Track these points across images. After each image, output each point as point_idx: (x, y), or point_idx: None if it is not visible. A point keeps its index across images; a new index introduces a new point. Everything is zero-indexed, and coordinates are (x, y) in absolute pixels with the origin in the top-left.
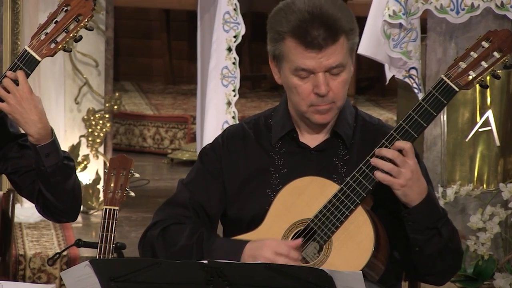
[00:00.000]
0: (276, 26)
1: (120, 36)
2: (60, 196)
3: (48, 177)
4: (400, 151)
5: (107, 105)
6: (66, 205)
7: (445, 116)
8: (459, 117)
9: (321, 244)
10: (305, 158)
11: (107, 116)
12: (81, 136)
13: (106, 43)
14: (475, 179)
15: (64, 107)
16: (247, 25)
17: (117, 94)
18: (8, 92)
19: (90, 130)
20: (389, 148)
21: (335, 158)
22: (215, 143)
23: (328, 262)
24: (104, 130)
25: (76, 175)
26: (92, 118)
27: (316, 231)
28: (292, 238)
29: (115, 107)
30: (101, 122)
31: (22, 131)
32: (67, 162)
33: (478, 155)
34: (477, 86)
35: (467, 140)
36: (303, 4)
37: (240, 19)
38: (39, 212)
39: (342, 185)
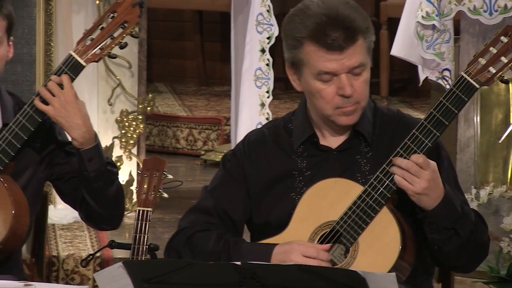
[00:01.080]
0: (292, 32)
1: (153, 38)
2: (102, 202)
3: (91, 182)
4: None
5: (140, 106)
6: (108, 211)
7: (478, 118)
8: (492, 118)
9: (348, 246)
10: (328, 159)
11: (140, 117)
12: (114, 138)
13: (139, 45)
14: (509, 180)
15: (97, 108)
16: (280, 26)
17: (150, 95)
18: (53, 95)
19: (123, 131)
20: (412, 147)
21: (357, 156)
22: (237, 150)
23: (355, 264)
24: (137, 131)
25: (119, 181)
26: (125, 119)
27: (342, 233)
28: (318, 241)
29: (148, 108)
30: (134, 123)
31: (70, 139)
32: (110, 168)
33: (511, 156)
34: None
35: (500, 141)
36: (318, 7)
37: (273, 20)
38: (82, 219)
39: (366, 186)
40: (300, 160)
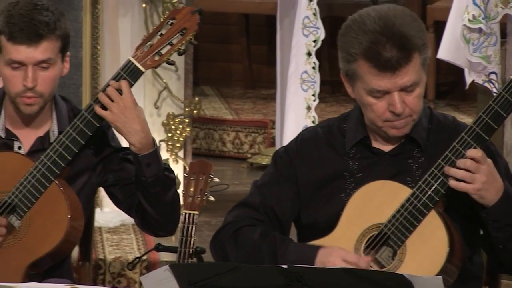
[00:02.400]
0: (347, 47)
1: (199, 41)
2: (159, 208)
3: (148, 187)
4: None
5: (186, 109)
6: (165, 217)
7: None
8: None
9: (395, 249)
10: (379, 162)
11: (186, 120)
12: (160, 141)
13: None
14: None
15: (143, 111)
16: (326, 29)
17: (196, 98)
18: (112, 100)
19: (169, 134)
20: (461, 150)
21: (410, 160)
22: (289, 147)
23: (402, 267)
24: (183, 134)
25: (175, 187)
26: (171, 122)
27: (389, 236)
28: (365, 243)
29: (195, 111)
30: (180, 126)
31: (124, 145)
32: (168, 174)
33: None
34: None
35: None
36: (374, 23)
37: (319, 23)
38: (138, 226)
39: (414, 189)
40: (352, 162)
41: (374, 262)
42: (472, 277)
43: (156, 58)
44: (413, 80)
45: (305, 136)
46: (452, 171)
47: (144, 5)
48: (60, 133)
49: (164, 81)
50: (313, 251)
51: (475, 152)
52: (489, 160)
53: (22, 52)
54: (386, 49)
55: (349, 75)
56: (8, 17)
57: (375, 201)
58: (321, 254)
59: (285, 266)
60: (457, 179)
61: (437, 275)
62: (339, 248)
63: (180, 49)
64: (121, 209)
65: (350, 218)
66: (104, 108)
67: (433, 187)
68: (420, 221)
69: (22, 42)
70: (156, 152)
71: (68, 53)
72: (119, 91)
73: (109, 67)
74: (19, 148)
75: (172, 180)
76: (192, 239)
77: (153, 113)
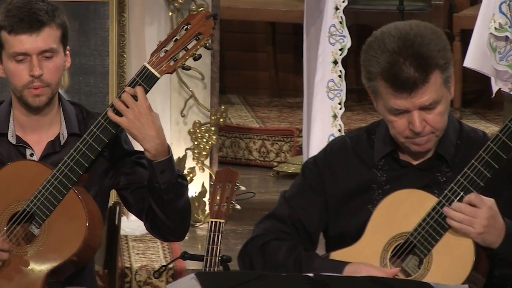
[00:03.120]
0: (367, 65)
1: (226, 49)
2: (170, 214)
3: (161, 194)
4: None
5: (213, 118)
6: (175, 223)
7: None
8: None
9: (421, 258)
10: (407, 175)
11: (213, 129)
12: (187, 149)
13: (212, 56)
14: None
15: (170, 120)
16: (352, 38)
17: (223, 107)
18: (127, 106)
19: (196, 143)
20: (486, 158)
21: (438, 173)
22: (318, 158)
23: (428, 275)
24: (210, 143)
25: (188, 194)
26: (198, 131)
27: (416, 245)
28: (392, 252)
29: (221, 120)
30: (207, 135)
31: (137, 149)
32: (181, 181)
33: None
34: None
35: None
36: (393, 42)
37: (346, 32)
38: (147, 229)
39: (440, 198)
40: (380, 174)
41: (400, 270)
42: (498, 286)
43: (171, 63)
44: (433, 99)
45: (333, 147)
46: (452, 213)
47: (170, 14)
48: (69, 135)
49: (191, 89)
50: (339, 267)
51: (471, 197)
52: (490, 202)
53: (25, 41)
54: (402, 70)
55: (371, 92)
56: (6, 11)
57: (401, 210)
58: (347, 271)
59: (311, 275)
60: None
61: (463, 283)
62: (365, 265)
63: (195, 54)
64: (132, 213)
65: (376, 227)
66: (120, 114)
67: (459, 196)
68: (446, 230)
69: (24, 31)
70: (170, 159)
71: (68, 47)
72: (135, 97)
73: (135, 73)
74: (31, 155)
75: (185, 187)
76: (218, 248)
77: (179, 121)
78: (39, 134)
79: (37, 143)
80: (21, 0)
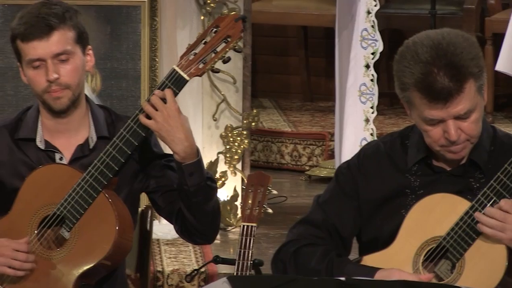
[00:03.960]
0: (400, 76)
1: (258, 53)
2: (200, 217)
3: (190, 196)
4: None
5: (245, 121)
6: (205, 226)
7: None
8: None
9: (454, 262)
10: (441, 180)
11: (244, 132)
12: (219, 153)
13: (244, 60)
14: None
15: (202, 124)
16: (384, 42)
17: (255, 110)
18: (156, 109)
19: (228, 146)
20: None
21: (471, 179)
22: (352, 163)
23: (461, 280)
24: (242, 146)
25: (217, 197)
26: (230, 135)
27: (448, 249)
28: (424, 257)
29: (253, 123)
30: (239, 138)
31: (166, 152)
32: (210, 183)
33: None
34: None
35: None
36: (426, 53)
37: (378, 36)
38: (177, 232)
39: (473, 202)
40: (414, 179)
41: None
42: None
43: (200, 66)
44: (467, 108)
45: (367, 152)
46: (484, 218)
47: (202, 17)
48: (98, 138)
49: (223, 93)
50: (371, 273)
51: (501, 203)
52: None
53: (37, 47)
54: (436, 81)
55: (405, 101)
56: (19, 19)
57: (434, 214)
58: (379, 277)
59: (343, 278)
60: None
61: (496, 287)
62: (398, 270)
63: (224, 56)
64: (162, 216)
65: (409, 231)
66: (149, 117)
67: (492, 201)
68: (479, 234)
69: (35, 37)
70: (200, 161)
71: (89, 46)
72: (164, 100)
73: (164, 76)
74: (61, 159)
75: (214, 189)
76: (250, 252)
77: (211, 125)
78: (68, 138)
79: (66, 147)
80: (34, 6)
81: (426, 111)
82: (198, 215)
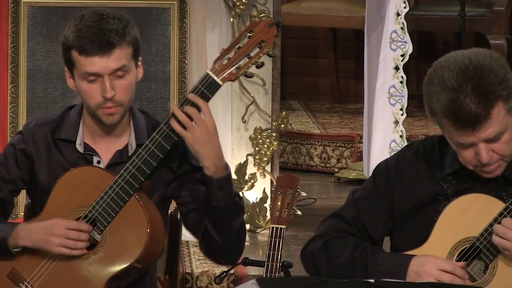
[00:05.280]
0: (428, 100)
1: (287, 55)
2: (225, 234)
3: (218, 212)
4: None
5: (274, 123)
6: (230, 245)
7: None
8: None
9: (487, 263)
10: (474, 189)
11: (274, 134)
12: (248, 155)
13: (273, 62)
14: None
15: (231, 126)
16: (414, 44)
17: (284, 112)
18: (191, 119)
19: (257, 148)
20: None
21: (503, 192)
22: (390, 164)
23: (493, 281)
24: (271, 148)
25: (243, 215)
26: (259, 136)
27: (481, 250)
28: (457, 257)
29: (282, 125)
30: (268, 140)
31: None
32: (238, 199)
33: None
34: None
35: None
36: (452, 78)
37: (407, 38)
38: (202, 251)
39: (507, 203)
40: (447, 186)
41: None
42: None
43: (234, 71)
44: (497, 131)
45: (406, 155)
46: (499, 230)
47: (231, 20)
48: (138, 146)
49: (252, 95)
50: (406, 260)
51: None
52: None
53: (96, 63)
54: (463, 108)
55: (435, 123)
56: (77, 31)
57: (468, 215)
58: (414, 264)
59: (372, 280)
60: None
61: None
62: (433, 257)
63: (257, 61)
64: (188, 230)
65: (443, 230)
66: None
67: None
68: None
69: (95, 53)
70: (229, 176)
71: (140, 58)
72: (197, 106)
73: (196, 81)
74: (98, 162)
75: (241, 207)
76: (280, 253)
77: (240, 127)
78: (108, 143)
79: (105, 152)
80: (91, 18)
81: (455, 136)
82: (224, 232)
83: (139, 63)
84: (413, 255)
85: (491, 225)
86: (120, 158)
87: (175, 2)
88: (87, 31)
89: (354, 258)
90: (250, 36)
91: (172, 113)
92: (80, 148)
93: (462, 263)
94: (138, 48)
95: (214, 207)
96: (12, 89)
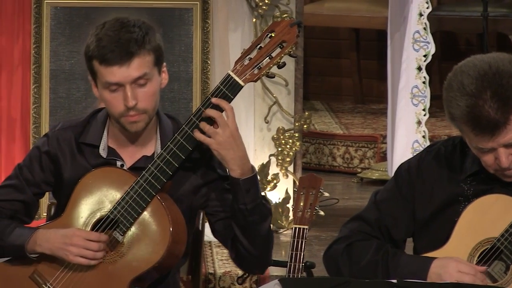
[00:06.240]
0: (448, 105)
1: (309, 56)
2: (254, 240)
3: (246, 216)
4: None
5: (296, 124)
6: (259, 251)
7: None
8: None
9: (508, 264)
10: (494, 190)
11: (296, 135)
12: (270, 155)
13: (296, 63)
14: None
15: (254, 126)
16: (436, 44)
17: (306, 113)
18: (213, 122)
19: (279, 149)
20: None
21: None
22: (412, 165)
23: None
24: (293, 149)
25: (270, 220)
26: (281, 137)
27: (502, 251)
28: (478, 257)
29: (305, 126)
30: (290, 141)
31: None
32: (265, 202)
33: None
34: None
35: None
36: (472, 84)
37: (430, 38)
38: (232, 259)
39: None
40: (467, 188)
41: (486, 276)
42: None
43: (256, 71)
44: None
45: (428, 156)
46: None
47: (254, 20)
48: None
49: (274, 95)
50: (427, 263)
51: None
52: None
53: (117, 73)
54: (482, 114)
55: (456, 127)
56: (97, 41)
57: (489, 215)
58: (435, 266)
59: (394, 281)
60: None
61: None
62: (454, 259)
63: (279, 62)
64: (216, 238)
65: (463, 231)
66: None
67: None
68: None
69: (114, 63)
70: (255, 177)
71: (164, 63)
72: (219, 108)
73: (219, 81)
74: (122, 166)
75: (268, 210)
76: (302, 254)
77: (263, 127)
78: (133, 149)
79: (130, 157)
80: (112, 27)
81: (474, 141)
82: (253, 238)
83: (163, 69)
84: (434, 258)
85: (511, 225)
86: (145, 164)
87: (198, 3)
88: (107, 40)
89: (376, 261)
90: (272, 36)
91: (194, 113)
92: (103, 153)
93: (483, 268)
94: (160, 55)
95: (242, 210)
96: (35, 90)
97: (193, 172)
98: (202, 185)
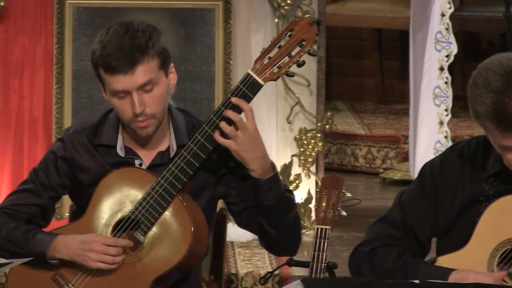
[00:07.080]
0: (473, 103)
1: (332, 56)
2: (281, 230)
3: (271, 211)
4: None
5: (319, 124)
6: (287, 239)
7: None
8: None
9: None
10: None
11: (319, 135)
12: (293, 156)
13: (318, 63)
14: None
15: (276, 126)
16: (459, 44)
17: (329, 113)
18: (234, 123)
19: (302, 149)
20: None
21: None
22: (435, 164)
23: None
24: (316, 149)
25: (296, 208)
26: (304, 137)
27: None
28: (499, 258)
29: (327, 126)
30: (313, 141)
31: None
32: (288, 195)
33: None
34: None
35: None
36: (497, 81)
37: (452, 38)
38: (262, 246)
39: None
40: (488, 187)
41: (508, 276)
42: None
43: (275, 70)
44: None
45: (451, 156)
46: None
47: (276, 20)
48: (178, 146)
49: (297, 96)
50: (445, 274)
51: None
52: None
53: (122, 81)
54: (507, 111)
55: (480, 125)
56: (102, 49)
57: (510, 216)
58: (454, 278)
59: (417, 281)
60: None
61: None
62: (473, 272)
63: (299, 60)
64: (242, 228)
65: (484, 232)
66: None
67: None
68: None
69: (119, 71)
70: (277, 174)
71: (171, 64)
72: (238, 108)
73: (239, 80)
74: (140, 165)
75: (292, 201)
76: (324, 254)
77: (285, 127)
78: (149, 146)
79: (146, 155)
80: (115, 33)
81: (498, 138)
82: (280, 228)
83: (171, 70)
84: (453, 269)
85: None
86: (161, 160)
87: (220, 3)
88: (110, 48)
89: (395, 270)
90: (291, 35)
91: (214, 112)
92: (121, 152)
93: (502, 274)
94: (166, 57)
95: (266, 206)
96: (57, 90)
97: (211, 164)
98: (222, 176)
